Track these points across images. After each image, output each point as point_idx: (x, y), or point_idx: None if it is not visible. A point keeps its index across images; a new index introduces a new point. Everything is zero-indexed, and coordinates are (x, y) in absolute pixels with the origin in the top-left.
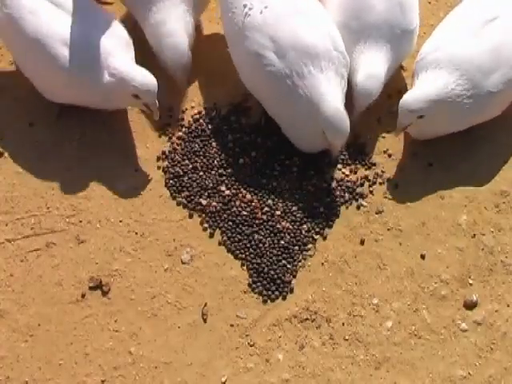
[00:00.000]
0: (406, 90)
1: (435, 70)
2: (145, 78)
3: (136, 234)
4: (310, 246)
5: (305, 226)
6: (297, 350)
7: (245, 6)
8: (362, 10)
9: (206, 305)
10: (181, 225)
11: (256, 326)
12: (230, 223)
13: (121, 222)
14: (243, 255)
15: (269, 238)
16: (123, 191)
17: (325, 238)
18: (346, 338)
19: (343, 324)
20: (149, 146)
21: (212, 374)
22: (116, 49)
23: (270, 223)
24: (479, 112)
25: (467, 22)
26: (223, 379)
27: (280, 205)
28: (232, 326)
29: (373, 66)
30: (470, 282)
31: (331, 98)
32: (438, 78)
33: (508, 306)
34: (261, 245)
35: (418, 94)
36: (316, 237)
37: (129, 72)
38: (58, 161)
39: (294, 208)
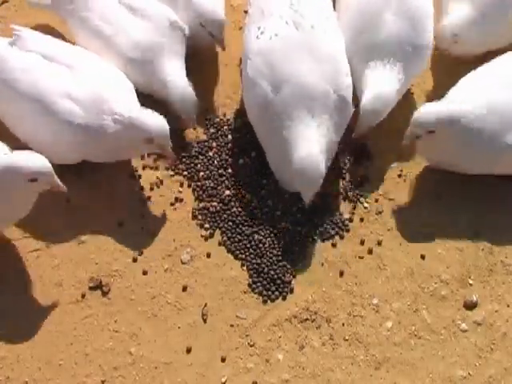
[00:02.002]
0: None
1: (466, 99)
2: (156, 120)
3: (136, 234)
4: (309, 246)
5: (305, 227)
6: (297, 350)
7: (258, 28)
8: (372, 27)
9: (205, 305)
10: (181, 225)
11: (256, 327)
12: (230, 223)
13: (121, 222)
14: (243, 255)
15: (269, 238)
16: (123, 192)
17: (325, 239)
18: (346, 338)
19: (343, 324)
20: None
21: (212, 374)
22: (120, 95)
23: (269, 223)
24: (489, 159)
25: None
26: (223, 379)
27: (280, 205)
28: (232, 326)
29: (380, 86)
30: (470, 282)
31: (307, 143)
32: (463, 102)
33: (508, 306)
34: (261, 245)
35: (433, 108)
36: (316, 237)
37: (138, 116)
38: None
39: (294, 208)
